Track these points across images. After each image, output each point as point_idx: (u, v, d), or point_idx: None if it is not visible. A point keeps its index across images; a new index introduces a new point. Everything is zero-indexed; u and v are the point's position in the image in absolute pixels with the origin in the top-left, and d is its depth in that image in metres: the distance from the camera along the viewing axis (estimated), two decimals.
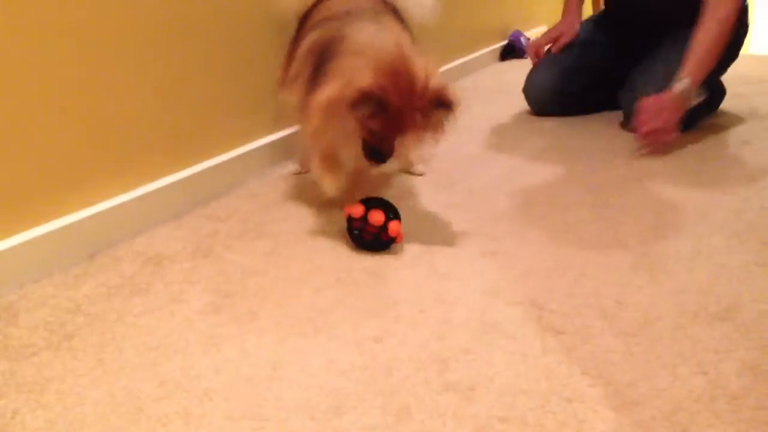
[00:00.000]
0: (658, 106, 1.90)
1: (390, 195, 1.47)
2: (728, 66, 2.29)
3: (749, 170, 1.75)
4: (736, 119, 2.32)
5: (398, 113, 1.20)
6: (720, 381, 0.91)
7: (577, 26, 2.39)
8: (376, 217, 1.27)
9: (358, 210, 1.28)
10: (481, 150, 1.84)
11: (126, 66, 1.30)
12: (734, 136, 2.11)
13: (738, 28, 2.20)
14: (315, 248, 1.31)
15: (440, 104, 1.22)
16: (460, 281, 1.19)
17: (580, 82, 2.31)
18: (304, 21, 1.48)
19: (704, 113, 2.28)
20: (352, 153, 1.34)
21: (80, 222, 1.24)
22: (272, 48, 1.72)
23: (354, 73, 1.20)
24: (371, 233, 1.28)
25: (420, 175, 1.73)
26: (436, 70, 1.25)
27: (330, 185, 1.38)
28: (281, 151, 1.79)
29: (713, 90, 2.33)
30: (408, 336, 1.02)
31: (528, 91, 2.35)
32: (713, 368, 0.93)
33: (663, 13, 2.23)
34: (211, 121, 1.55)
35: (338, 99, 1.20)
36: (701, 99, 1.94)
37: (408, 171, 1.75)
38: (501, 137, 2.07)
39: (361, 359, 0.97)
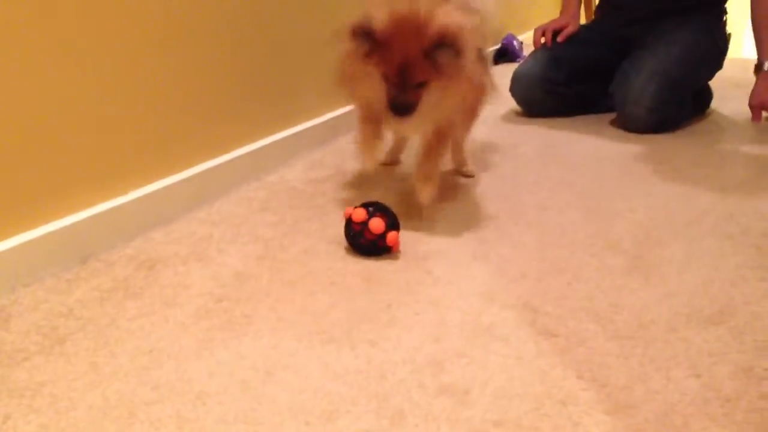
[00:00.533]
0: (763, 92, 2.14)
1: (386, 198, 1.47)
2: (712, 76, 2.33)
3: (741, 173, 1.76)
4: (728, 122, 2.33)
5: (398, 50, 1.24)
6: (713, 384, 0.91)
7: (579, 20, 2.42)
8: (377, 224, 1.26)
9: (359, 214, 1.28)
10: (472, 153, 1.84)
11: (117, 69, 1.29)
12: (726, 139, 2.13)
13: (721, 40, 2.25)
14: (309, 252, 1.31)
15: (443, 45, 1.23)
16: (454, 285, 1.19)
17: (566, 71, 2.32)
18: None
19: (693, 116, 2.30)
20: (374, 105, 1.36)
21: (73, 226, 1.23)
22: (267, 51, 1.72)
23: (368, 19, 1.25)
24: (369, 240, 1.28)
25: (471, 176, 1.73)
26: (453, 22, 1.25)
27: (368, 159, 1.39)
28: (274, 155, 1.79)
29: (700, 93, 2.35)
30: (402, 339, 1.02)
31: (514, 83, 2.36)
32: (707, 371, 0.94)
33: (655, 5, 2.26)
34: (203, 125, 1.55)
35: (356, 46, 1.27)
36: None
37: (460, 171, 1.75)
38: (492, 139, 2.08)
39: (355, 363, 0.97)
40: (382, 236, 1.27)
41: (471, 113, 1.53)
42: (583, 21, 2.71)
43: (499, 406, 0.88)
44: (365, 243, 1.28)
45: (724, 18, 2.37)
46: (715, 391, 0.90)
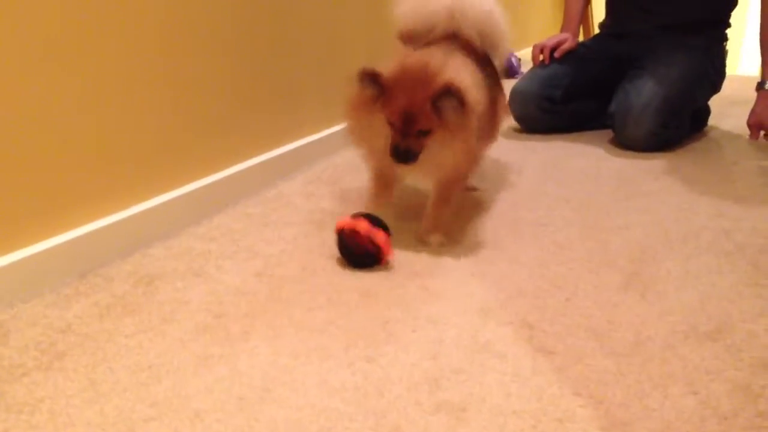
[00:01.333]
0: (762, 111, 2.21)
1: (387, 215, 1.47)
2: (710, 98, 2.36)
3: (738, 190, 1.77)
4: (725, 140, 2.35)
5: (404, 97, 1.27)
6: (710, 401, 0.91)
7: (578, 37, 2.45)
8: (363, 225, 1.29)
9: (344, 221, 1.31)
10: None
11: (114, 84, 1.30)
12: (722, 156, 2.14)
13: (719, 63, 2.28)
14: (306, 268, 1.31)
15: (448, 95, 1.25)
16: (452, 301, 1.19)
17: (563, 89, 2.34)
18: None
19: (690, 134, 2.32)
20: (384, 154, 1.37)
21: (71, 242, 1.24)
22: (266, 67, 1.73)
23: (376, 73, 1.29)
24: (361, 244, 1.29)
25: (474, 189, 1.76)
26: (461, 78, 1.29)
27: (373, 206, 1.43)
28: (274, 170, 1.79)
29: (698, 110, 2.37)
30: (399, 356, 1.02)
31: (512, 100, 2.38)
32: (704, 388, 0.94)
33: (660, 19, 2.28)
34: (202, 140, 1.56)
35: (362, 94, 1.31)
36: None
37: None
38: (490, 156, 2.08)
39: (353, 379, 0.97)
40: (371, 238, 1.28)
41: (475, 162, 1.52)
42: (581, 38, 2.74)
43: (496, 423, 0.88)
44: (358, 250, 1.30)
45: (724, 43, 2.40)
46: (712, 409, 0.90)
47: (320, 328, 1.10)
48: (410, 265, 1.33)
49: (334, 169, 1.94)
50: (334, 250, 1.36)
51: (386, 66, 1.31)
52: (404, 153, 1.30)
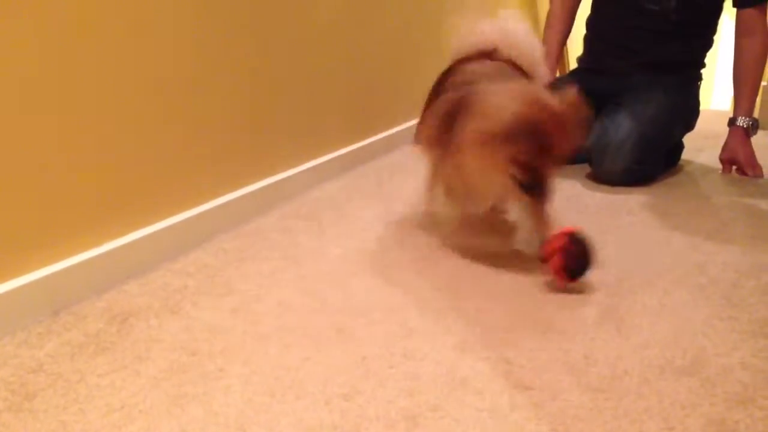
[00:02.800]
0: (734, 147, 2.30)
1: (363, 248, 1.48)
2: (683, 135, 2.41)
3: (711, 224, 1.79)
4: (699, 173, 2.38)
5: (551, 139, 1.31)
6: None
7: (555, 74, 2.49)
8: (556, 261, 1.34)
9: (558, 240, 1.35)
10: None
11: (87, 119, 1.30)
12: (696, 190, 2.17)
13: (694, 105, 2.35)
14: (283, 304, 1.30)
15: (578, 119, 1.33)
16: (429, 336, 1.19)
17: None
18: (437, 85, 1.61)
19: (665, 168, 2.36)
20: (490, 192, 1.44)
21: (44, 279, 1.22)
22: (243, 103, 1.74)
23: (499, 109, 1.31)
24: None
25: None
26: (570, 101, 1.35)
27: (449, 215, 1.51)
28: (251, 205, 1.79)
29: (673, 146, 2.42)
30: (377, 393, 1.02)
31: None
32: (679, 424, 0.94)
33: (637, 59, 2.33)
34: (179, 174, 1.55)
35: (489, 132, 1.31)
36: (757, 127, 2.32)
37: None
38: None
39: (329, 417, 0.96)
40: (556, 272, 1.35)
41: None
42: (558, 74, 2.78)
43: None
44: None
45: (699, 82, 2.45)
46: None
47: (296, 365, 1.09)
48: (389, 301, 1.32)
49: (311, 204, 1.94)
50: (310, 286, 1.35)
51: (501, 106, 1.32)
52: (539, 184, 1.35)
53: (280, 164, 1.95)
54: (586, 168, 2.32)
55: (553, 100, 1.33)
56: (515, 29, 1.62)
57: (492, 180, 1.41)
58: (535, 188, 1.36)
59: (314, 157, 2.12)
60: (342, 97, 2.26)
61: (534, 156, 1.32)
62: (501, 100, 1.33)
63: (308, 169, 2.07)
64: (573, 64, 2.74)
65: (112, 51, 1.32)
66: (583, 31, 2.58)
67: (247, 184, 1.80)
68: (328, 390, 1.02)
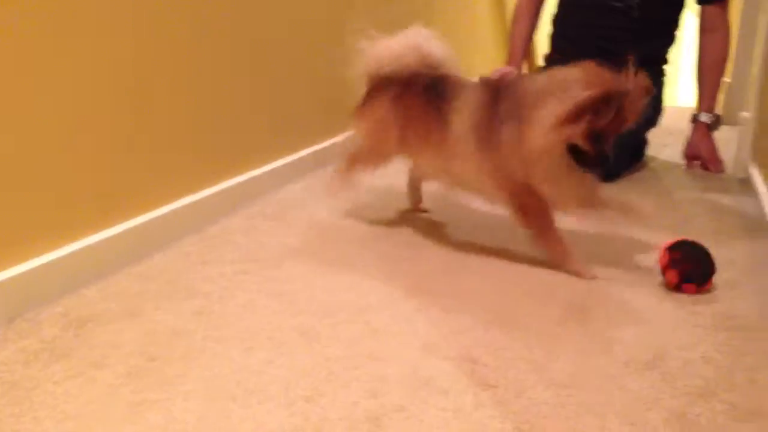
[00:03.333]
0: (697, 142, 2.32)
1: (329, 248, 1.46)
2: (648, 131, 2.43)
3: (672, 220, 1.81)
4: (662, 170, 2.40)
5: (625, 107, 1.38)
6: (647, 431, 0.92)
7: (521, 69, 2.49)
8: (671, 276, 1.36)
9: (663, 259, 1.38)
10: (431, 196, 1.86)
11: (43, 121, 1.27)
12: (661, 186, 2.19)
13: (658, 102, 2.36)
14: (247, 306, 1.29)
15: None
16: (394, 337, 1.18)
17: None
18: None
19: (630, 164, 2.38)
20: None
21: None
22: (207, 103, 1.71)
23: (567, 91, 1.36)
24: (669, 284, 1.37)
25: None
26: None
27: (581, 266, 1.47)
28: (215, 206, 1.77)
29: (638, 142, 2.44)
30: (340, 395, 1.01)
31: None
32: (641, 418, 0.94)
33: (601, 57, 2.35)
34: (140, 176, 1.52)
35: (575, 111, 1.33)
36: (719, 122, 2.33)
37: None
38: (432, 191, 2.09)
39: (291, 421, 0.95)
40: (678, 286, 1.35)
41: None
42: (526, 71, 2.78)
43: None
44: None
45: (662, 78, 2.47)
46: None
47: (259, 368, 1.08)
48: (355, 301, 1.31)
49: (276, 204, 1.92)
50: (275, 288, 1.34)
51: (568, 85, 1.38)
52: (608, 157, 1.42)
53: (244, 165, 1.93)
54: None
55: (618, 76, 1.40)
56: (428, 44, 1.63)
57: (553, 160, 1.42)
58: (606, 158, 1.40)
59: (279, 157, 2.10)
60: (307, 97, 2.24)
61: (611, 125, 1.37)
62: (563, 82, 1.39)
63: (273, 170, 2.05)
64: (540, 62, 2.75)
65: (70, 53, 1.29)
66: (550, 28, 2.59)
67: (210, 185, 1.77)
68: (290, 393, 1.01)
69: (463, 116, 1.50)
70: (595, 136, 1.37)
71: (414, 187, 1.89)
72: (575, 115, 1.34)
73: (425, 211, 1.88)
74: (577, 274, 1.44)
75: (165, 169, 1.60)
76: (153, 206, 1.57)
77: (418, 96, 1.59)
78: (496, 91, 1.50)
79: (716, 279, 1.37)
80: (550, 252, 1.49)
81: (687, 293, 1.34)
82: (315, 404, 0.98)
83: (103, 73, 1.38)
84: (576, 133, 1.36)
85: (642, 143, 2.51)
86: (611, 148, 1.41)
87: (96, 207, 1.41)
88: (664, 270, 1.37)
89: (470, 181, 1.57)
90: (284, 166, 2.11)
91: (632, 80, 1.40)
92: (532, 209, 1.49)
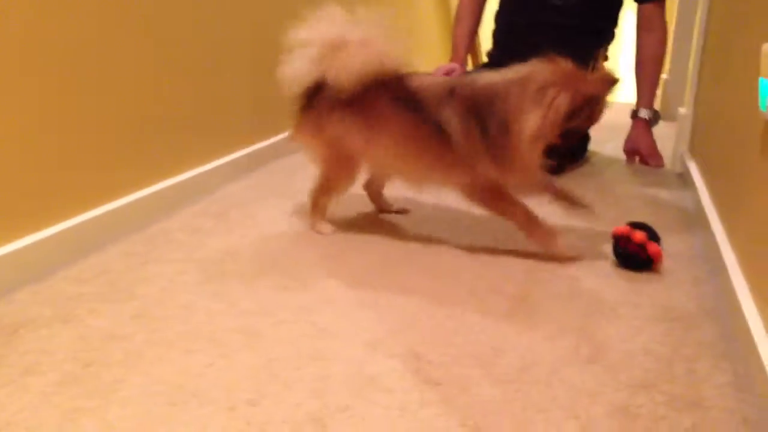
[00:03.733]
0: (637, 138, 2.37)
1: (272, 246, 1.44)
2: (591, 126, 2.46)
3: (615, 213, 1.83)
4: (604, 164, 2.44)
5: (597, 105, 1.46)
6: (591, 425, 0.92)
7: (466, 65, 2.50)
8: (639, 235, 1.43)
9: (622, 230, 1.46)
10: (356, 197, 1.84)
11: None
12: (602, 181, 2.22)
13: None
14: (188, 308, 1.25)
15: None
16: (339, 335, 1.16)
17: None
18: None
19: (573, 161, 2.41)
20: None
21: None
22: (148, 99, 1.67)
23: (545, 95, 1.42)
24: (633, 250, 1.44)
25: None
26: None
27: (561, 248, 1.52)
28: (157, 206, 1.72)
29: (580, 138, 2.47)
30: (283, 396, 0.99)
31: None
32: (585, 412, 0.95)
33: (543, 53, 2.37)
34: (76, 175, 1.47)
35: (561, 120, 1.40)
36: (657, 118, 2.40)
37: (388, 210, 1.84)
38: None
39: (233, 425, 0.92)
40: (643, 245, 1.43)
41: None
42: (470, 67, 2.80)
43: None
44: (633, 250, 1.44)
45: None
46: None
47: (200, 371, 1.05)
48: (298, 299, 1.29)
49: (219, 203, 1.88)
50: (217, 289, 1.31)
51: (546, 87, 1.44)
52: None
53: (185, 163, 1.89)
54: None
55: (588, 75, 1.46)
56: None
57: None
58: (566, 153, 1.44)
59: (221, 155, 2.06)
60: (249, 94, 2.21)
61: (584, 122, 1.46)
62: (536, 84, 1.44)
63: (215, 168, 2.01)
64: (485, 59, 2.77)
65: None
66: (492, 25, 2.60)
67: (150, 184, 1.73)
68: (232, 396, 0.99)
69: (449, 125, 1.48)
70: (567, 132, 1.43)
71: (378, 193, 1.85)
72: (560, 125, 1.41)
73: (405, 211, 1.85)
74: (557, 256, 1.50)
75: (102, 169, 1.55)
76: (89, 206, 1.52)
77: (383, 105, 1.54)
78: (452, 90, 1.50)
79: (654, 271, 1.41)
80: (531, 235, 1.53)
81: (654, 258, 1.43)
82: (257, 407, 0.96)
83: (34, 69, 1.33)
84: (555, 134, 1.42)
85: (584, 139, 2.55)
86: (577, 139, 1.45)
87: (28, 208, 1.35)
88: (629, 234, 1.44)
89: (441, 181, 1.58)
90: (228, 163, 2.07)
91: (601, 78, 1.45)
92: (494, 195, 1.53)
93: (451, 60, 2.55)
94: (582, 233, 1.67)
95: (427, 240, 1.61)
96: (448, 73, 2.44)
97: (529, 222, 1.52)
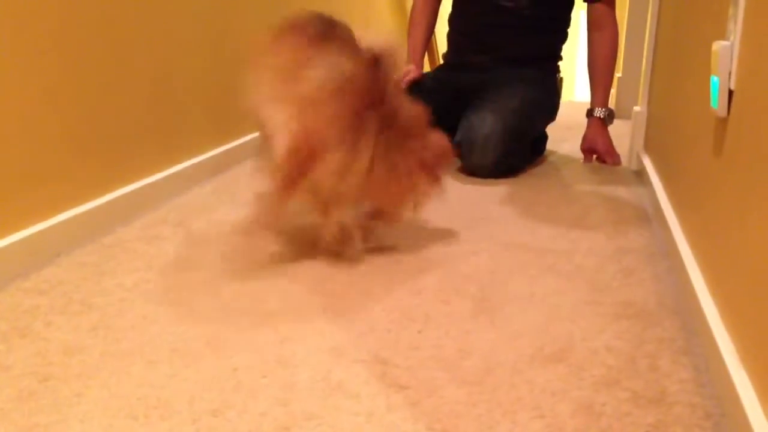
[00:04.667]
0: (593, 136, 2.41)
1: (234, 252, 1.42)
2: (547, 125, 2.51)
3: (575, 212, 1.86)
4: (562, 163, 2.48)
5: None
6: (556, 423, 0.93)
7: (422, 68, 2.51)
8: None
9: None
10: None
11: None
12: (560, 179, 2.25)
13: (555, 94, 2.44)
14: (148, 317, 1.23)
15: None
16: (303, 342, 1.15)
17: None
18: None
19: (531, 159, 2.44)
20: None
21: None
22: (95, 104, 1.63)
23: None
24: None
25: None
26: None
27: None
28: (113, 214, 1.69)
29: (537, 137, 2.51)
30: (248, 406, 0.97)
31: None
32: (550, 411, 0.96)
33: (497, 53, 2.39)
34: (27, 185, 1.43)
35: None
36: (613, 116, 2.44)
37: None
38: None
39: None
40: None
41: None
42: (428, 68, 2.81)
43: None
44: None
45: (558, 74, 2.55)
46: (558, 431, 0.91)
47: (162, 382, 1.03)
48: (260, 307, 1.28)
49: (179, 210, 1.86)
50: (178, 297, 1.29)
51: None
52: None
53: (143, 169, 1.85)
54: (456, 162, 2.35)
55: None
56: None
57: None
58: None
59: (180, 161, 2.03)
60: (207, 97, 2.18)
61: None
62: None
63: (174, 174, 1.98)
64: (441, 61, 2.78)
65: None
66: (448, 28, 2.62)
67: (106, 192, 1.69)
68: (196, 407, 0.97)
69: None
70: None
71: None
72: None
73: None
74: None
75: (54, 177, 1.51)
76: (42, 216, 1.48)
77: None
78: None
79: (615, 268, 1.43)
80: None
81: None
82: (222, 417, 0.95)
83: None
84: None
85: (541, 138, 2.58)
86: None
87: None
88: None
89: None
90: (187, 169, 2.04)
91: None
92: None
93: (407, 61, 2.56)
94: (542, 233, 1.68)
95: (389, 244, 1.61)
96: (404, 75, 2.45)
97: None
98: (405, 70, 2.47)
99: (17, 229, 1.41)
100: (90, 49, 1.59)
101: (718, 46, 1.14)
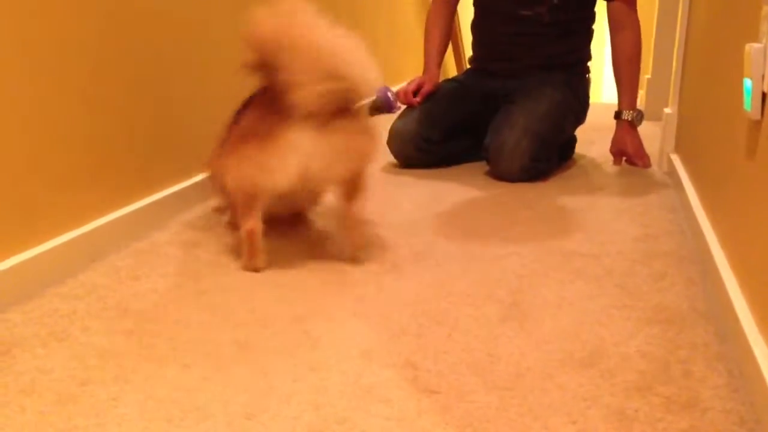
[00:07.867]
0: (622, 139, 2.36)
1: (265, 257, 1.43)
2: (575, 129, 2.49)
3: (604, 215, 1.85)
4: (591, 166, 2.46)
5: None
6: (588, 429, 0.93)
7: (437, 79, 2.51)
8: None
9: None
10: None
11: None
12: (589, 183, 2.24)
13: (584, 96, 2.42)
14: (181, 322, 1.25)
15: None
16: (333, 346, 1.17)
17: (442, 129, 2.40)
18: None
19: (559, 162, 2.43)
20: None
21: None
22: (135, 112, 1.66)
23: None
24: None
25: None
26: None
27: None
28: (144, 220, 1.71)
29: (566, 140, 2.50)
30: (281, 409, 0.99)
31: (390, 139, 2.41)
32: (581, 416, 0.96)
33: (521, 61, 2.38)
34: (62, 193, 1.46)
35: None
36: (642, 117, 2.39)
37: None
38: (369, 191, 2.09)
39: None
40: None
41: None
42: (456, 72, 2.81)
43: None
44: None
45: (587, 75, 2.53)
46: None
47: (196, 386, 1.05)
48: (290, 311, 1.29)
49: (210, 216, 1.88)
50: (210, 302, 1.31)
51: None
52: None
53: (175, 175, 1.88)
54: (484, 166, 2.35)
55: None
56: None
57: None
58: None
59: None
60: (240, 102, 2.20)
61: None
62: None
63: (200, 181, 2.00)
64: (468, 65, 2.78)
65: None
66: (471, 36, 2.62)
67: (139, 198, 1.72)
68: (230, 410, 0.98)
69: None
70: None
71: None
72: None
73: None
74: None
75: (88, 184, 1.54)
76: (77, 223, 1.51)
77: None
78: None
79: (646, 272, 1.42)
80: None
81: None
82: (255, 421, 0.96)
83: (16, 92, 1.32)
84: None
85: (570, 141, 2.56)
86: None
87: (13, 227, 1.34)
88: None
89: None
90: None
91: None
92: None
93: (423, 74, 2.55)
94: (572, 237, 1.68)
95: (418, 249, 1.62)
96: (418, 87, 2.45)
97: None
98: (419, 84, 2.46)
99: (53, 235, 1.44)
100: (125, 56, 1.62)
101: (750, 48, 1.13)
